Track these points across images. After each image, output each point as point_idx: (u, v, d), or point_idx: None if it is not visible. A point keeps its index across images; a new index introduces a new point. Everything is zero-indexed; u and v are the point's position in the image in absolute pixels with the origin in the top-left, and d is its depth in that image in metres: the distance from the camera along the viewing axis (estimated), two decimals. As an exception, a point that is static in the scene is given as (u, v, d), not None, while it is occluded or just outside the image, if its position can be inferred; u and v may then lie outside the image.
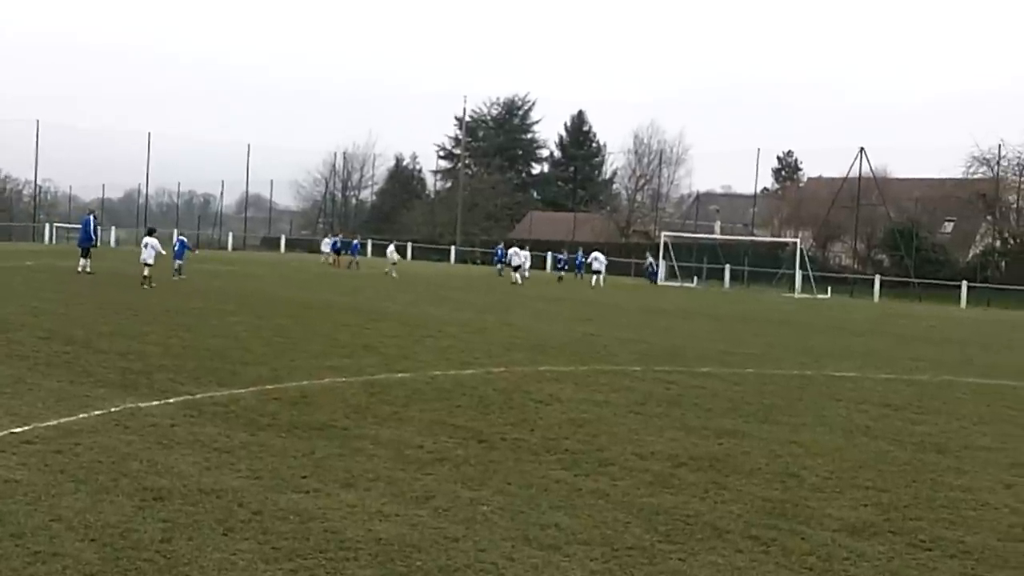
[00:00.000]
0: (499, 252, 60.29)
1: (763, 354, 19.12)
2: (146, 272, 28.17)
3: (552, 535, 6.60)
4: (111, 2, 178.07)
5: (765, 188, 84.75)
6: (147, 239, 30.02)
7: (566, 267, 57.02)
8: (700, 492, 7.98)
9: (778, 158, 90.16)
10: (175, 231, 41.86)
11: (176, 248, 33.14)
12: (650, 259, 57.88)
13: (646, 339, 20.61)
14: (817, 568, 6.29)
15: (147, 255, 28.87)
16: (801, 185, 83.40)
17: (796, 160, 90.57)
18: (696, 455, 9.34)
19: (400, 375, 13.29)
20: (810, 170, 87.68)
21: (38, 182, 77.43)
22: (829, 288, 55.05)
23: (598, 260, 49.26)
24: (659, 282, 56.33)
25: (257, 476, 7.67)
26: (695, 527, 7.00)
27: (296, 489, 7.36)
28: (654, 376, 14.68)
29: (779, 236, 68.22)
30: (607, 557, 6.24)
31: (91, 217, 33.69)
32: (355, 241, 55.99)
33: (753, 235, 71.31)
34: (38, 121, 68.78)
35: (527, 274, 48.14)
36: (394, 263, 43.66)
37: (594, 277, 47.90)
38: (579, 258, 56.02)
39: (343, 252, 51.10)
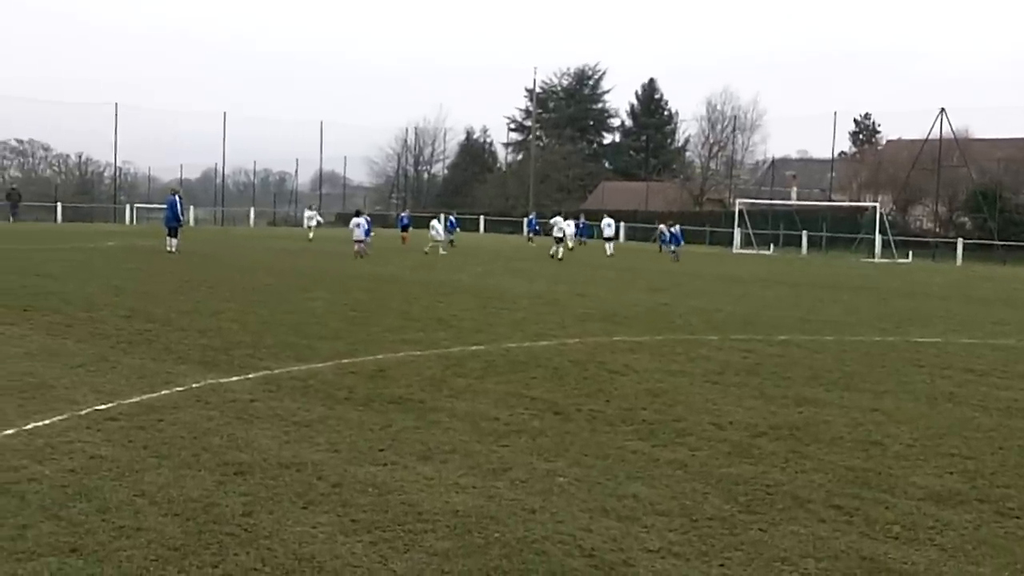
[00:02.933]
0: (531, 222, 60.17)
1: (842, 321, 18.80)
2: (359, 247, 34.11)
3: (630, 506, 6.56)
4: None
5: (842, 152, 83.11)
6: (357, 219, 35.62)
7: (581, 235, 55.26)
8: (780, 462, 7.87)
9: (855, 121, 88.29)
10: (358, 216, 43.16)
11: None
12: (661, 227, 55.03)
13: (722, 308, 20.40)
14: (902, 537, 6.16)
15: (360, 232, 34.60)
16: (880, 148, 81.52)
17: (874, 123, 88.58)
18: (775, 424, 9.21)
19: (474, 348, 13.31)
20: (888, 132, 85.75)
21: (118, 164, 79.00)
22: (910, 252, 53.97)
23: (610, 226, 48.29)
24: (735, 250, 55.63)
25: (335, 449, 7.74)
26: (776, 497, 6.90)
27: (374, 462, 7.41)
28: (731, 345, 14.51)
29: (857, 201, 66.91)
30: (686, 528, 6.18)
31: (176, 197, 34.11)
32: (451, 217, 51.65)
33: (831, 200, 70.11)
34: (116, 104, 70.07)
35: (571, 245, 45.09)
36: (437, 240, 39.51)
37: (608, 245, 46.24)
38: (582, 225, 54.10)
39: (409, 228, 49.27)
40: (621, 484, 7.05)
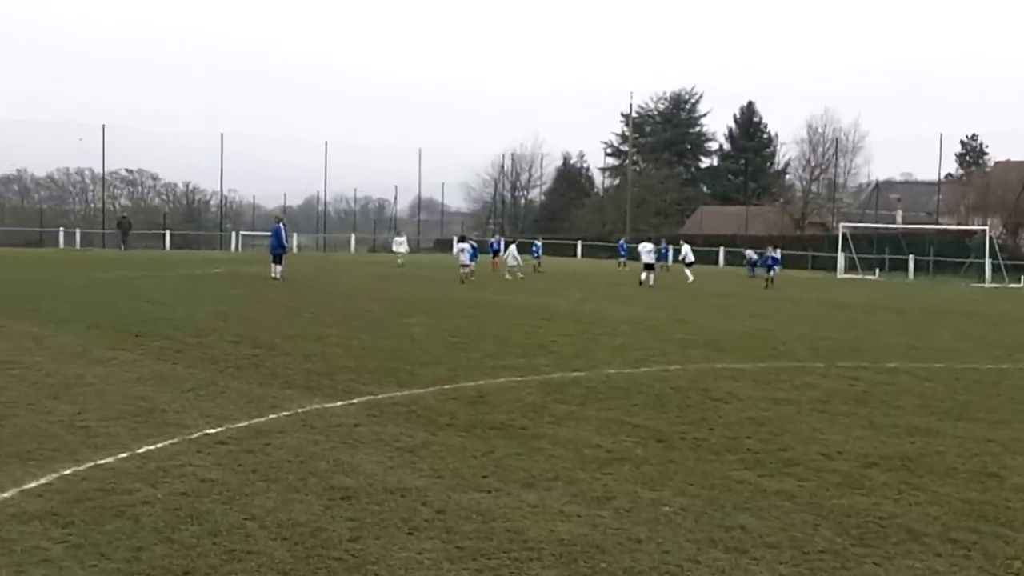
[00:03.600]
0: (622, 247, 58.48)
1: (953, 347, 18.26)
2: (464, 271, 34.79)
3: (738, 537, 6.43)
4: (286, 21, 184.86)
5: (949, 174, 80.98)
6: (463, 244, 36.49)
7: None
8: (893, 493, 7.64)
9: (961, 142, 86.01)
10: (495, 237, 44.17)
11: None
12: (748, 253, 53.40)
13: (826, 334, 19.98)
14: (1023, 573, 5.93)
15: (465, 257, 35.28)
16: (988, 170, 79.27)
17: (981, 144, 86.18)
18: (886, 454, 8.96)
19: (575, 374, 13.26)
20: (997, 154, 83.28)
21: (224, 192, 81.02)
22: (1022, 277, 52.23)
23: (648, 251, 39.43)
24: (838, 275, 54.54)
25: (439, 475, 7.77)
26: (889, 530, 6.70)
27: (478, 488, 7.41)
28: (837, 372, 14.19)
29: (965, 224, 65.07)
30: (797, 561, 6.03)
31: (280, 225, 34.80)
32: (536, 242, 50.62)
33: (937, 223, 68.37)
34: (222, 134, 72.02)
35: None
36: (511, 265, 38.46)
37: (687, 271, 42.31)
38: (664, 249, 51.30)
39: (498, 254, 47.67)
40: (728, 515, 6.92)
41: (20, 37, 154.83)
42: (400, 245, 48.38)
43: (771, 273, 40.98)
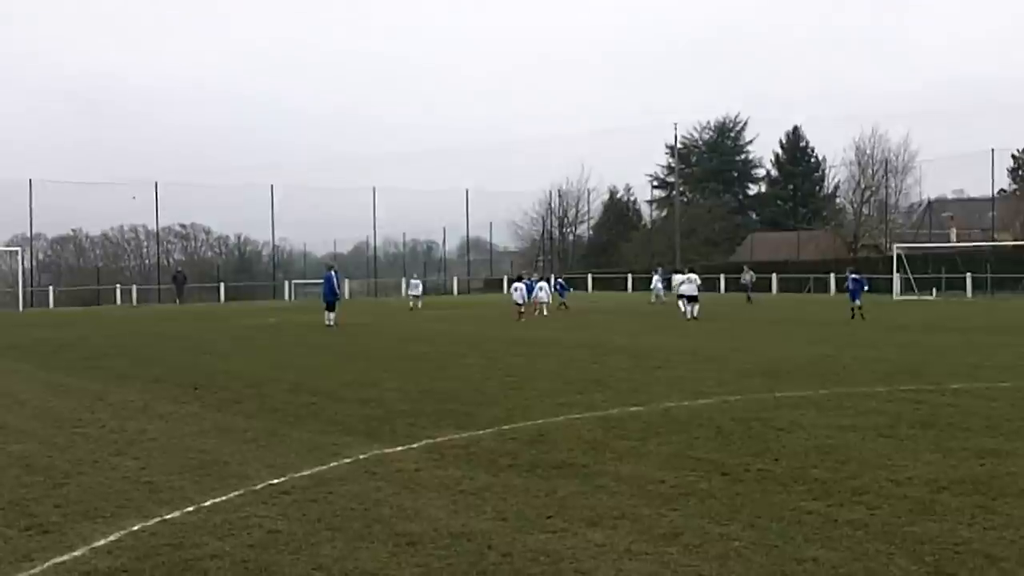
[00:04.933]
0: (657, 278, 50.33)
1: (1017, 366, 17.88)
2: (522, 309, 35.84)
3: (810, 570, 6.32)
4: (331, 72, 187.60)
5: (1002, 189, 79.68)
6: (518, 283, 37.95)
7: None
8: (967, 518, 7.48)
9: (1013, 156, 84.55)
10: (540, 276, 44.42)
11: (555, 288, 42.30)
12: (747, 272, 51.42)
13: (887, 357, 19.68)
14: (1112, 598, 5.75)
15: (517, 296, 36.62)
16: (1042, 183, 78.13)
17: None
18: (957, 478, 8.77)
19: (634, 408, 13.17)
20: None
21: (275, 242, 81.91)
22: (1083, 290, 51.18)
23: (691, 282, 35.64)
24: (895, 296, 53.79)
25: (503, 517, 7.73)
26: (965, 556, 6.55)
27: (543, 529, 7.36)
28: (901, 396, 13.95)
29: (1022, 239, 64.00)
30: (873, 592, 5.91)
31: (332, 272, 35.14)
32: (558, 280, 47.67)
33: (994, 240, 67.29)
34: (272, 186, 72.90)
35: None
36: (541, 302, 38.25)
37: (689, 306, 35.17)
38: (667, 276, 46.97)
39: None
40: (799, 547, 6.80)
41: (70, 98, 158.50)
42: (415, 288, 47.41)
43: (856, 302, 33.63)
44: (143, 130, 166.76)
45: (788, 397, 14.06)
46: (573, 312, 40.07)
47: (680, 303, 35.50)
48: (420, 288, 47.58)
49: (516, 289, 37.36)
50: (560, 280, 47.79)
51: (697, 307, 34.76)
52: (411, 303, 45.29)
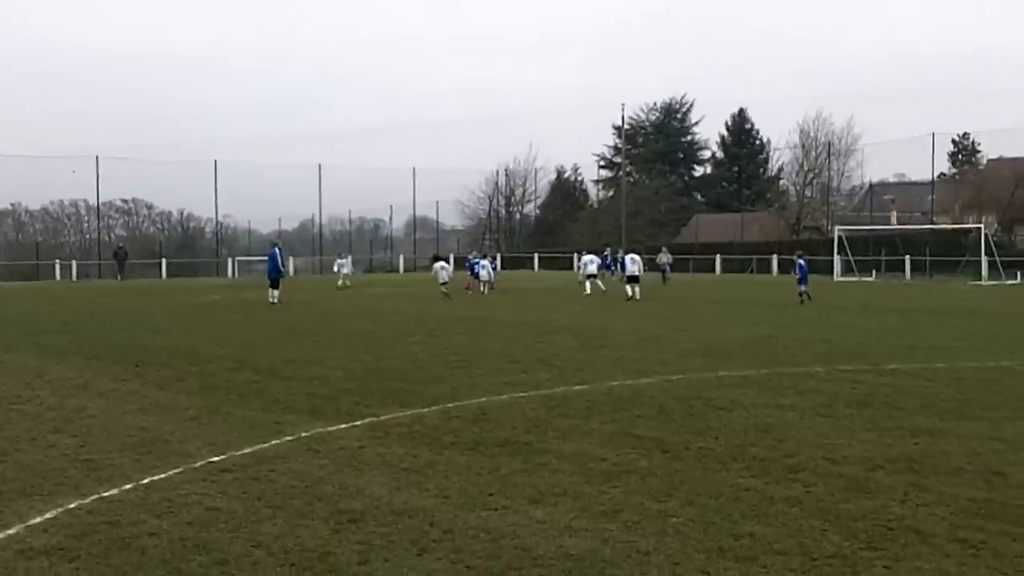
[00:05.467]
0: (608, 258, 50.67)
1: (953, 347, 18.26)
2: (444, 289, 35.26)
3: (747, 546, 6.42)
4: (275, 48, 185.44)
5: (942, 174, 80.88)
6: (440, 263, 37.99)
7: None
8: (899, 495, 7.64)
9: (953, 141, 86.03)
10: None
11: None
12: (663, 254, 51.37)
13: (827, 338, 19.98)
14: (1035, 572, 5.92)
15: (443, 276, 36.41)
16: (981, 168, 79.42)
17: (973, 142, 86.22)
18: (891, 457, 8.96)
19: (577, 387, 13.26)
20: (990, 151, 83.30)
21: (218, 218, 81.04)
22: (1019, 274, 52.21)
23: (634, 262, 36.23)
24: (835, 278, 54.52)
25: (446, 495, 7.76)
26: (897, 532, 6.70)
27: (484, 506, 7.40)
28: (839, 376, 14.19)
29: (960, 223, 65.15)
30: (806, 567, 6.03)
31: (276, 249, 34.89)
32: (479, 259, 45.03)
33: (932, 223, 68.43)
34: (216, 161, 72.01)
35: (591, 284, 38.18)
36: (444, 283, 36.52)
37: (629, 287, 34.94)
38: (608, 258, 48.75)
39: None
40: (736, 523, 6.91)
41: (10, 70, 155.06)
42: (344, 267, 46.96)
43: (803, 287, 32.57)
44: (84, 103, 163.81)
45: (729, 377, 14.23)
46: (517, 291, 40.09)
47: (627, 287, 34.98)
48: (349, 266, 47.32)
49: (443, 268, 37.26)
50: (483, 260, 46.28)
51: (638, 288, 34.70)
52: (340, 281, 44.84)
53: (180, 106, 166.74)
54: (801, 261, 33.78)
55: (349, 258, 48.85)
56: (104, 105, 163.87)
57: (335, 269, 47.97)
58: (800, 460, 8.85)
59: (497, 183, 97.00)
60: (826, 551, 6.31)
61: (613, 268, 48.23)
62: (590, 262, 39.23)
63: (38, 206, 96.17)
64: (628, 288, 34.69)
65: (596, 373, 14.68)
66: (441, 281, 36.42)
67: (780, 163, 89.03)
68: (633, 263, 36.00)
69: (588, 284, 37.95)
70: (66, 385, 13.97)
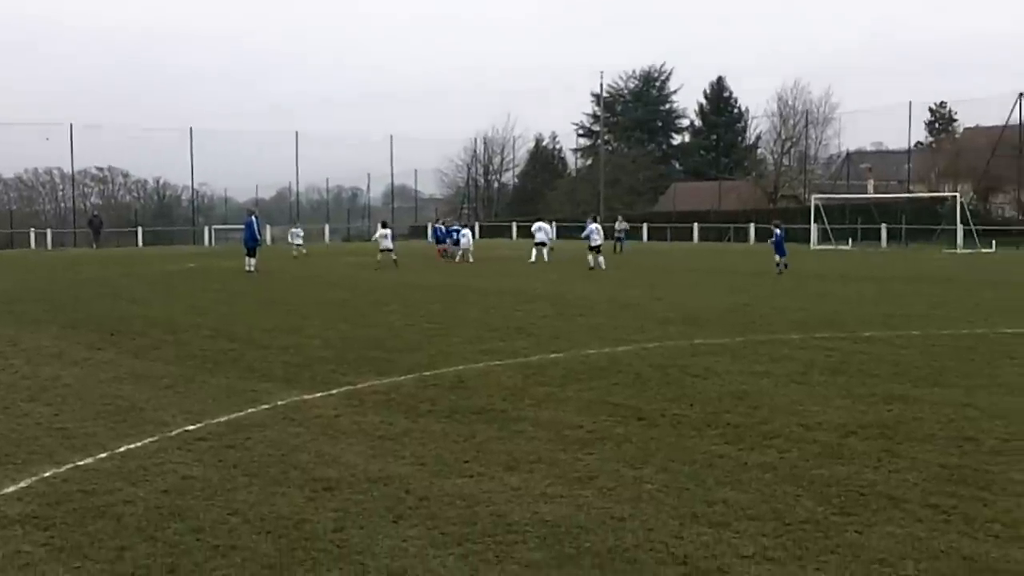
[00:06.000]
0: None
1: (928, 314, 18.39)
2: (379, 257, 35.64)
3: (720, 511, 6.48)
4: (253, 12, 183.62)
5: (919, 142, 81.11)
6: (383, 230, 37.71)
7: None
8: (872, 461, 7.71)
9: (930, 110, 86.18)
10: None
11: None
12: (620, 222, 51.02)
13: (803, 306, 20.09)
14: (1003, 536, 6.00)
15: (386, 243, 36.57)
16: (957, 137, 79.69)
17: (950, 111, 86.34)
18: (865, 423, 9.03)
19: (554, 355, 13.29)
20: (966, 120, 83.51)
21: (195, 187, 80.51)
22: (993, 242, 52.58)
23: (541, 231, 38.63)
24: (812, 246, 54.75)
25: (422, 462, 7.78)
26: (870, 497, 6.77)
27: (460, 474, 7.43)
28: (814, 344, 14.28)
29: (936, 191, 65.37)
30: (779, 532, 6.08)
31: (253, 218, 34.73)
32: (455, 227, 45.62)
33: (909, 192, 68.72)
34: (191, 129, 71.45)
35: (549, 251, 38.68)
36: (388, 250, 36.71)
37: (537, 250, 37.39)
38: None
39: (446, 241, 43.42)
40: (710, 489, 6.97)
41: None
42: (296, 237, 46.70)
43: (780, 256, 31.61)
44: (57, 71, 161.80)
45: (705, 345, 14.29)
46: (495, 260, 40.06)
47: (589, 256, 34.41)
48: (301, 237, 46.73)
49: (385, 236, 37.08)
50: (455, 227, 45.88)
51: (601, 257, 34.22)
52: (295, 251, 44.38)
53: (155, 73, 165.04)
54: (778, 230, 32.55)
55: (300, 228, 48.46)
56: (78, 72, 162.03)
57: (289, 239, 47.67)
58: (774, 427, 8.91)
59: (475, 151, 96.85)
60: (799, 516, 6.37)
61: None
62: (538, 230, 39.29)
63: (11, 174, 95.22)
64: (591, 258, 34.20)
65: (573, 341, 14.71)
66: (381, 248, 36.37)
67: (758, 132, 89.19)
68: (596, 232, 35.52)
69: (534, 252, 37.91)
70: (40, 354, 13.89)
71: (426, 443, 8.41)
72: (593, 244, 34.79)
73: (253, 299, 22.47)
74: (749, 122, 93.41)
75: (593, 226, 35.95)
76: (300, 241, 46.07)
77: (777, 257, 31.77)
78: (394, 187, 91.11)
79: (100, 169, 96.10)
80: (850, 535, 6.03)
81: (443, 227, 45.15)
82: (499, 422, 9.19)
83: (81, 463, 7.86)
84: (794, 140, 78.06)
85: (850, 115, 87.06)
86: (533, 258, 37.41)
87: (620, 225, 50.20)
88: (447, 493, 6.91)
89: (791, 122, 77.76)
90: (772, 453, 7.99)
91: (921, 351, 13.52)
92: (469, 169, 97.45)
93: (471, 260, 38.55)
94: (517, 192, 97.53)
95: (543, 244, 38.38)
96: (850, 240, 57.34)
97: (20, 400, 10.52)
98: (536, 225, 40.16)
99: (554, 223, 63.06)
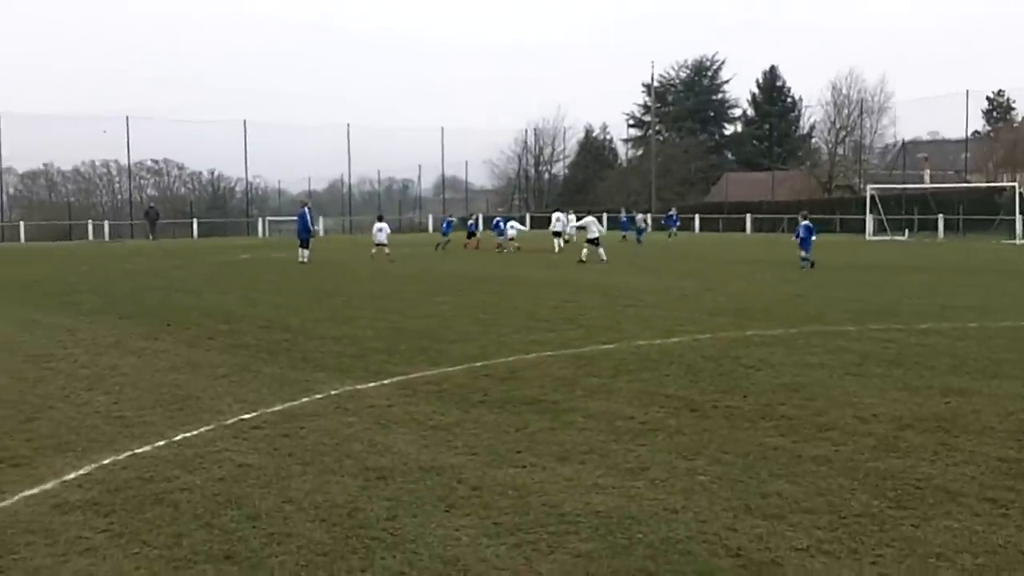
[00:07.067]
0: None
1: (986, 306, 18.09)
2: (374, 251, 35.11)
3: (775, 504, 6.42)
4: (305, 4, 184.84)
5: (976, 131, 79.88)
6: (380, 224, 36.77)
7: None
8: (929, 454, 7.60)
9: (988, 99, 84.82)
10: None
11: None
12: (638, 215, 52.87)
13: (858, 297, 19.85)
14: (1065, 531, 5.88)
15: (380, 237, 35.73)
16: (1015, 125, 78.16)
17: (1008, 99, 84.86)
18: (921, 416, 8.90)
19: (605, 346, 13.25)
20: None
21: (249, 179, 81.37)
22: (1053, 232, 51.55)
23: (559, 222, 40.07)
24: (867, 236, 54.05)
25: (474, 452, 7.80)
26: (926, 491, 6.67)
27: (512, 464, 7.43)
28: (870, 335, 14.10)
29: (994, 181, 64.26)
30: (834, 525, 6.02)
31: (306, 209, 35.06)
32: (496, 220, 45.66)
33: (966, 181, 67.61)
34: (245, 121, 72.27)
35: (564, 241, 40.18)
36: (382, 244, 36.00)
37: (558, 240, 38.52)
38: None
39: (476, 234, 44.21)
40: (764, 482, 6.91)
41: (37, 31, 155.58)
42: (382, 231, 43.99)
43: (804, 251, 29.33)
44: (115, 63, 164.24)
45: (758, 336, 14.18)
46: (545, 251, 40.04)
47: (584, 249, 33.20)
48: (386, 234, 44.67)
49: (380, 230, 36.11)
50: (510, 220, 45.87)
51: (601, 249, 32.88)
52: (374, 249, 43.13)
53: (210, 66, 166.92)
54: (806, 222, 29.76)
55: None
56: (135, 65, 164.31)
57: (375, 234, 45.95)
58: (829, 419, 8.82)
59: (526, 142, 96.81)
60: (854, 510, 6.30)
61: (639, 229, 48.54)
62: (556, 221, 40.36)
63: (70, 166, 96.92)
64: (585, 251, 32.86)
65: (624, 332, 14.66)
66: (377, 242, 35.59)
67: (812, 121, 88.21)
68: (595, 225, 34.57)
69: (556, 242, 39.22)
70: (98, 344, 14.12)
71: (478, 433, 8.43)
72: (590, 237, 33.39)
73: (307, 290, 22.66)
74: (802, 111, 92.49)
75: (589, 219, 35.15)
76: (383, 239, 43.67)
77: (802, 252, 29.26)
78: (445, 178, 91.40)
79: (155, 161, 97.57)
80: (906, 529, 5.95)
81: (477, 220, 45.21)
82: (551, 413, 9.19)
83: (139, 450, 7.98)
84: (849, 129, 77.07)
85: (906, 104, 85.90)
86: (556, 248, 38.27)
87: (646, 218, 50.56)
88: (499, 483, 6.92)
89: (845, 111, 76.76)
90: (827, 446, 7.91)
91: (979, 343, 13.30)
92: (520, 160, 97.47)
93: (507, 251, 38.62)
94: (567, 183, 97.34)
95: (559, 234, 39.64)
96: (906, 231, 56.57)
97: (80, 389, 10.70)
98: (556, 215, 41.32)
99: (605, 215, 62.90)
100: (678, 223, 56.76)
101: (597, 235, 33.57)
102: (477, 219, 43.98)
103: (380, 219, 38.10)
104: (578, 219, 41.00)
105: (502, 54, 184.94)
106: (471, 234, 44.86)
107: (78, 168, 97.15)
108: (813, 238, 29.64)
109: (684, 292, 21.27)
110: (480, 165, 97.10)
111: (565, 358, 12.33)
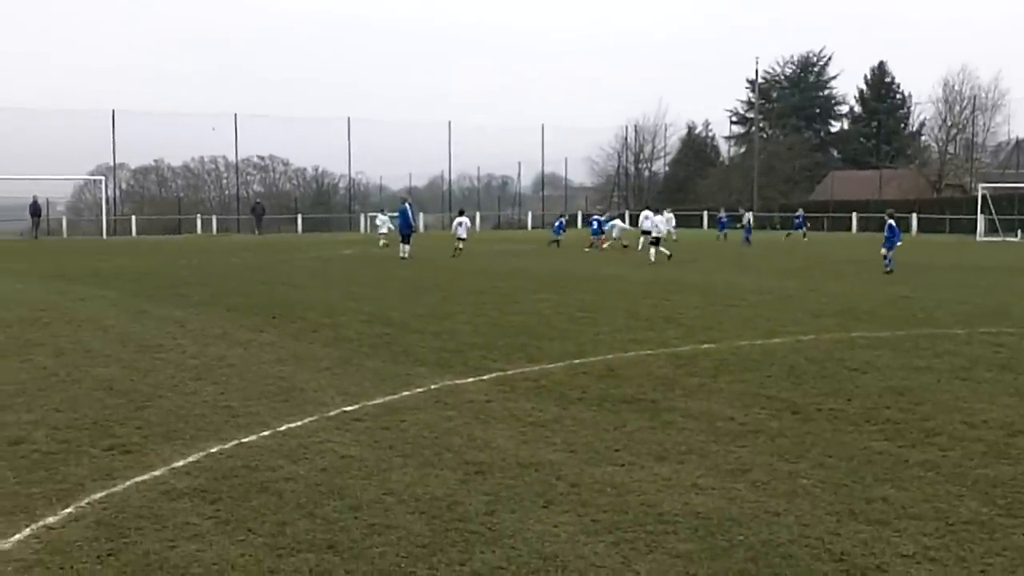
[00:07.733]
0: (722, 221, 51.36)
1: (1105, 310, 17.41)
2: (460, 245, 35.22)
3: (880, 509, 6.29)
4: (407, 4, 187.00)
5: (1095, 128, 76.93)
6: (460, 219, 37.40)
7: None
8: (1042, 462, 7.36)
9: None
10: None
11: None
12: (745, 213, 50.48)
13: (967, 299, 19.29)
14: None
15: (461, 231, 36.25)
16: None
17: None
18: (1035, 423, 8.63)
19: (705, 346, 13.12)
20: None
21: (352, 175, 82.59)
22: None
23: (648, 219, 36.64)
24: (978, 237, 52.44)
25: (572, 449, 7.80)
26: (1039, 500, 6.46)
27: (611, 462, 7.42)
28: (980, 339, 13.70)
29: (1115, 180, 61.81)
30: (942, 532, 5.87)
31: (407, 205, 35.43)
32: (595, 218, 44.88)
33: (1083, 181, 65.10)
34: (349, 118, 73.31)
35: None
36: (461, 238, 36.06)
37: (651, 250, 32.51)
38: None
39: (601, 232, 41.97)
40: (869, 486, 6.77)
41: (151, 32, 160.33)
42: (384, 224, 42.36)
43: (886, 250, 27.35)
44: (225, 61, 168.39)
45: (863, 338, 13.88)
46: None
47: (651, 249, 32.23)
48: (388, 225, 42.52)
49: (460, 224, 36.86)
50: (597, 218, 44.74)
51: (654, 249, 31.99)
52: (382, 242, 41.46)
53: (315, 65, 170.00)
54: (891, 221, 27.91)
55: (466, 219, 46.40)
56: (243, 63, 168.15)
57: (377, 224, 44.32)
58: (937, 424, 8.60)
59: (626, 139, 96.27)
60: (962, 517, 6.13)
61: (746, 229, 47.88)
62: (645, 218, 38.53)
63: (180, 162, 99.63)
64: (652, 252, 31.93)
65: (725, 332, 14.50)
66: (458, 236, 36.08)
67: (921, 118, 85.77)
68: (664, 222, 34.44)
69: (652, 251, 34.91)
70: (206, 335, 14.49)
71: (576, 430, 8.43)
72: (653, 236, 32.69)
73: (407, 285, 22.92)
74: (912, 108, 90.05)
75: (658, 218, 34.50)
76: (463, 234, 43.83)
77: (884, 250, 27.50)
78: (544, 175, 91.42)
79: (261, 158, 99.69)
80: (1017, 538, 5.78)
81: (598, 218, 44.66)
82: (649, 412, 9.14)
83: (245, 440, 8.17)
84: (960, 127, 74.85)
85: (1021, 101, 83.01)
86: (640, 247, 37.28)
87: (749, 216, 50.27)
88: (597, 481, 6.92)
89: (957, 108, 74.57)
90: (934, 451, 7.71)
91: (1097, 349, 12.82)
92: (620, 157, 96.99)
93: (599, 248, 38.80)
94: (668, 181, 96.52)
95: (647, 232, 36.13)
96: (1019, 232, 54.78)
97: (188, 379, 10.99)
98: (643, 214, 39.57)
99: (705, 212, 62.19)
100: (808, 224, 54.63)
101: (657, 234, 32.63)
102: (599, 219, 42.44)
103: (461, 213, 38.77)
104: (610, 219, 42.54)
105: (603, 50, 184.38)
106: (598, 232, 42.38)
107: (187, 164, 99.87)
108: (899, 242, 27.98)
109: (787, 292, 20.93)
110: (580, 162, 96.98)
111: (664, 357, 12.25)
